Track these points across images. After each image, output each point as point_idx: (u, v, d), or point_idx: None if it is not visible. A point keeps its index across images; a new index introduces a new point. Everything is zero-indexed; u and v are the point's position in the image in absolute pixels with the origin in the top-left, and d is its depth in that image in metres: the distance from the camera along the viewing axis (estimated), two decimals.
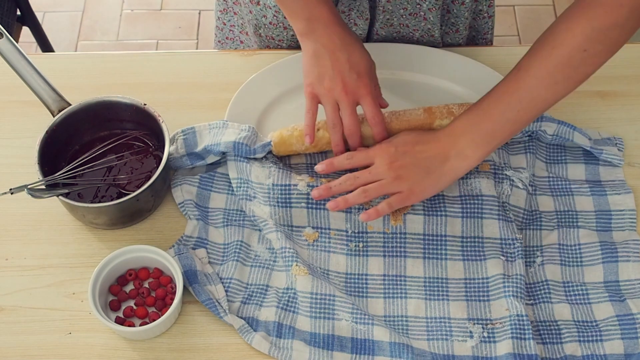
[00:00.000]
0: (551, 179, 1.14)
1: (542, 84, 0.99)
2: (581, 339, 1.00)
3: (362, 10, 1.21)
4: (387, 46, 1.24)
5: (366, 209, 1.07)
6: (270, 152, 1.12)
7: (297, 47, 1.27)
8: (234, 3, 1.33)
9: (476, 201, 1.08)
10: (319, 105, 1.08)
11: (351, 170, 1.08)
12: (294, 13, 1.06)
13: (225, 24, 1.37)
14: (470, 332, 1.01)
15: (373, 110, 1.06)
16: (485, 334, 1.00)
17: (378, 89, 1.08)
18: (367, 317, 1.00)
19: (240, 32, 1.35)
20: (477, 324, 1.01)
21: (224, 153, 1.11)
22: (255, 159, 1.11)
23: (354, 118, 1.06)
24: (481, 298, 1.04)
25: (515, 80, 1.01)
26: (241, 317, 1.01)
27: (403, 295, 1.04)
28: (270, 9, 1.23)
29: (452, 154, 1.03)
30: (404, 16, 1.22)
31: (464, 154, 1.03)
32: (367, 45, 1.19)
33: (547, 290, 1.04)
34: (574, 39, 0.96)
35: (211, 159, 1.11)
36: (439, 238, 1.07)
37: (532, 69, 0.99)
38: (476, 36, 1.34)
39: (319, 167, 1.08)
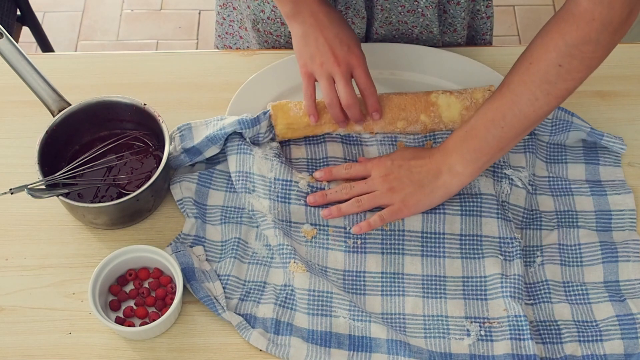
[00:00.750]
0: (551, 178, 1.14)
1: (522, 100, 0.99)
2: (581, 339, 1.01)
3: (359, 9, 1.21)
4: (387, 46, 1.24)
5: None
6: (272, 139, 1.12)
7: None
8: None
9: (475, 200, 1.08)
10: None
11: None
12: None
13: (224, 19, 1.37)
14: (468, 330, 1.01)
15: (365, 81, 1.09)
16: (483, 333, 1.01)
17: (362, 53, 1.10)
18: (364, 314, 1.00)
19: (239, 27, 1.35)
20: (475, 322, 1.01)
21: (226, 140, 1.11)
22: (258, 144, 1.12)
23: (349, 89, 1.08)
24: (479, 296, 1.04)
25: (500, 96, 1.02)
26: (239, 314, 1.02)
27: (401, 293, 1.04)
28: (268, 3, 1.23)
29: (444, 170, 1.05)
30: (402, 13, 1.22)
31: (455, 171, 1.05)
32: (366, 46, 1.19)
33: (547, 290, 1.04)
34: (548, 54, 0.96)
35: (210, 152, 1.11)
36: (437, 236, 1.07)
37: (512, 84, 1.00)
38: (475, 36, 1.34)
39: (317, 174, 1.10)
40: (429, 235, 1.07)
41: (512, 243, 1.06)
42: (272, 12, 1.24)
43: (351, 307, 1.01)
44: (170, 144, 1.11)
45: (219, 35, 1.41)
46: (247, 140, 1.11)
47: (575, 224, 1.10)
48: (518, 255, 1.05)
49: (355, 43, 1.09)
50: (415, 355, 0.97)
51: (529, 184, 1.12)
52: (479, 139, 1.03)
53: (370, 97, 1.10)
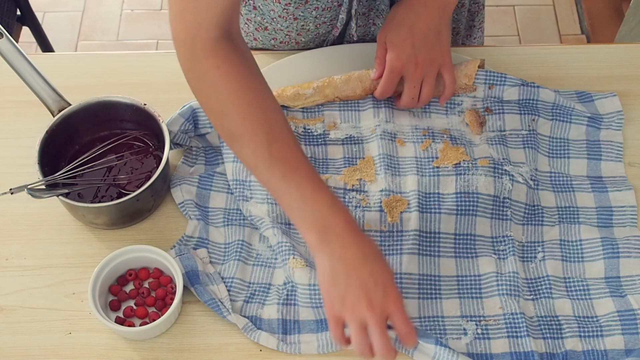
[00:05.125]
0: (553, 174, 1.14)
1: None
2: (582, 334, 1.01)
3: (382, 10, 1.21)
4: None
5: (365, 205, 1.08)
6: None
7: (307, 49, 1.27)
8: None
9: (471, 199, 1.08)
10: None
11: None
12: (305, 222, 0.94)
13: None
14: (464, 329, 1.01)
15: (404, 328, 0.93)
16: (479, 331, 1.01)
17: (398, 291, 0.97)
18: None
19: None
20: (471, 320, 1.02)
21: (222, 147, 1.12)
22: None
23: (384, 338, 0.91)
24: (474, 295, 1.04)
25: None
26: (244, 316, 1.02)
27: None
28: (282, 30, 1.23)
29: (442, 7, 1.08)
30: None
31: (450, 1, 1.08)
32: (371, 46, 1.19)
33: (548, 286, 1.05)
34: None
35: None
36: (432, 235, 1.07)
37: None
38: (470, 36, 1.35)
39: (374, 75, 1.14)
40: (424, 235, 1.07)
41: (505, 241, 1.07)
42: (286, 37, 1.23)
43: None
44: (170, 134, 1.10)
45: None
46: None
47: (576, 219, 1.10)
48: (512, 253, 1.05)
49: (391, 282, 0.93)
50: (423, 338, 0.97)
51: (531, 179, 1.12)
52: None
53: (409, 340, 0.95)
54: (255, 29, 1.26)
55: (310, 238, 0.94)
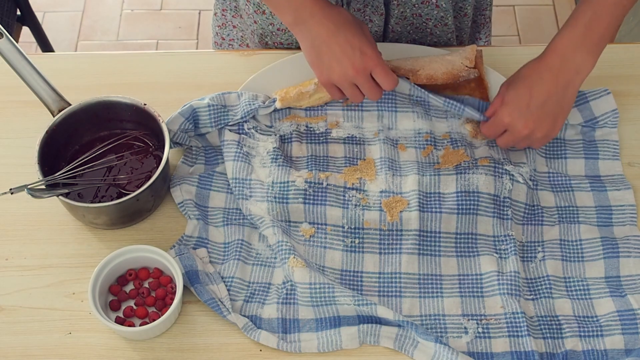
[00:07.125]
0: (551, 174, 1.14)
1: None
2: (582, 334, 1.01)
3: (377, 6, 1.21)
4: (402, 47, 1.24)
5: (366, 206, 1.09)
6: (271, 105, 1.15)
7: None
8: (232, 17, 1.33)
9: (472, 197, 1.09)
10: None
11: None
12: (279, 6, 1.06)
13: (224, 39, 1.37)
14: (465, 328, 1.01)
15: (385, 79, 1.07)
16: (480, 330, 1.01)
17: (375, 45, 1.09)
18: (367, 299, 1.01)
19: (239, 44, 1.35)
20: (472, 319, 1.02)
21: (222, 145, 1.13)
22: (257, 145, 1.13)
23: (373, 88, 1.08)
24: (475, 294, 1.04)
25: None
26: (244, 316, 1.02)
27: (397, 294, 1.04)
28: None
29: (571, 76, 1.05)
30: (417, 5, 1.22)
31: (582, 70, 1.05)
32: (382, 46, 1.19)
33: (548, 286, 1.05)
34: None
35: (201, 103, 1.12)
36: (433, 234, 1.07)
37: None
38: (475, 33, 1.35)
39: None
40: (425, 234, 1.07)
41: (507, 240, 1.07)
42: (282, 23, 1.23)
43: (354, 294, 1.01)
44: (170, 133, 1.10)
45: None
46: (244, 147, 1.12)
47: (576, 219, 1.10)
48: (513, 252, 1.06)
49: (367, 43, 1.05)
50: (422, 336, 0.98)
51: (530, 180, 1.12)
52: (604, 26, 1.03)
53: (391, 87, 1.09)
54: (254, 11, 1.26)
55: (287, 19, 1.06)
